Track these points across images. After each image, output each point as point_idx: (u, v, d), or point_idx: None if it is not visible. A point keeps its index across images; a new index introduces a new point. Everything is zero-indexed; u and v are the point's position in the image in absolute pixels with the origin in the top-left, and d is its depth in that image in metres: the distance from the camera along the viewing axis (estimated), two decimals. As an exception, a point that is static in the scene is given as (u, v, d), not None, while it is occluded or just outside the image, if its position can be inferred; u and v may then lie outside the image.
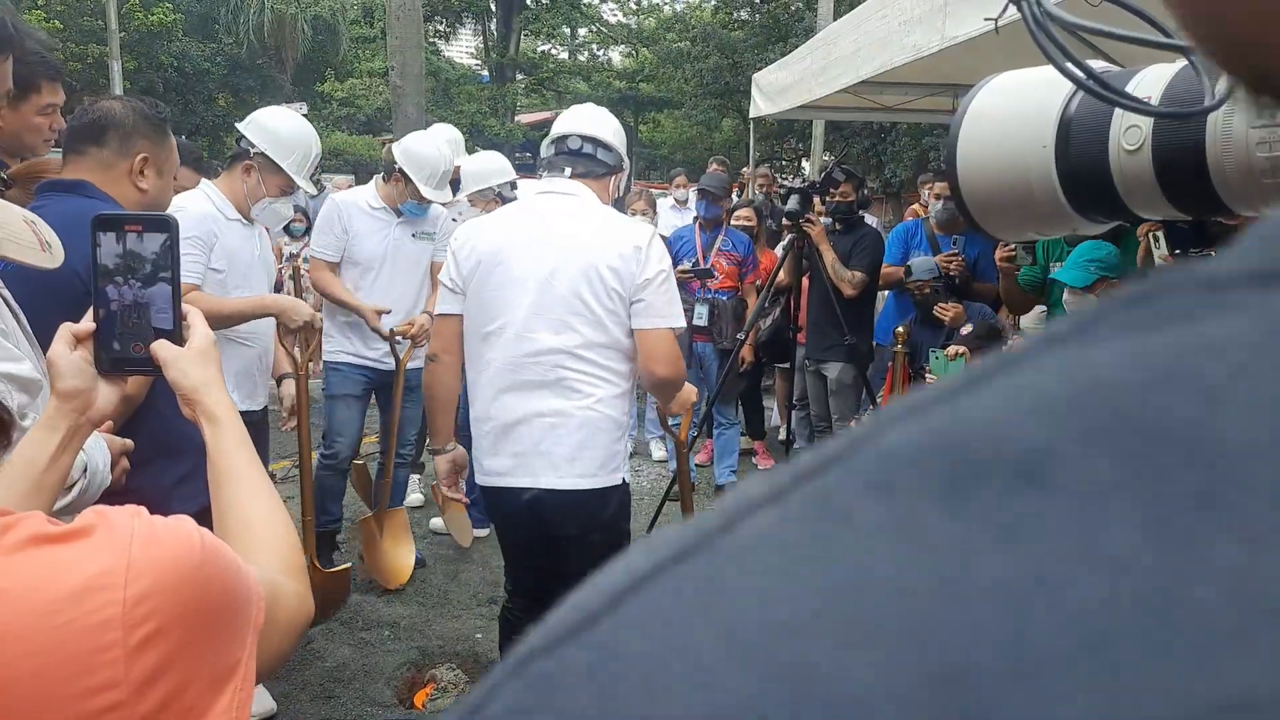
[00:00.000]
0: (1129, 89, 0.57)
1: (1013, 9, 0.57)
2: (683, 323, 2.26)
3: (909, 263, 4.62)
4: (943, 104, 6.42)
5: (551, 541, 2.36)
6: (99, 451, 1.42)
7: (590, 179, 2.32)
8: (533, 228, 2.24)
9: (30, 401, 1.25)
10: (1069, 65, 0.54)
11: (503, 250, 2.22)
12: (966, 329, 4.18)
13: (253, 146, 2.96)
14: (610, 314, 2.17)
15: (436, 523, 4.46)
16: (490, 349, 2.23)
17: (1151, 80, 0.57)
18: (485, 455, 2.30)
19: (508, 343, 2.20)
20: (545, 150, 2.41)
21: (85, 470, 1.35)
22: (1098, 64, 0.56)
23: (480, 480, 2.34)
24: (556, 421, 2.19)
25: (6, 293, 1.41)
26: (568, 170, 2.31)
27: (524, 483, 2.24)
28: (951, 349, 4.07)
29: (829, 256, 4.51)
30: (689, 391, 2.54)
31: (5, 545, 0.67)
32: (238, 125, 3.12)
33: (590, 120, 2.40)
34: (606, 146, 2.36)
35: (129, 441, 1.56)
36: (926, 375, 4.25)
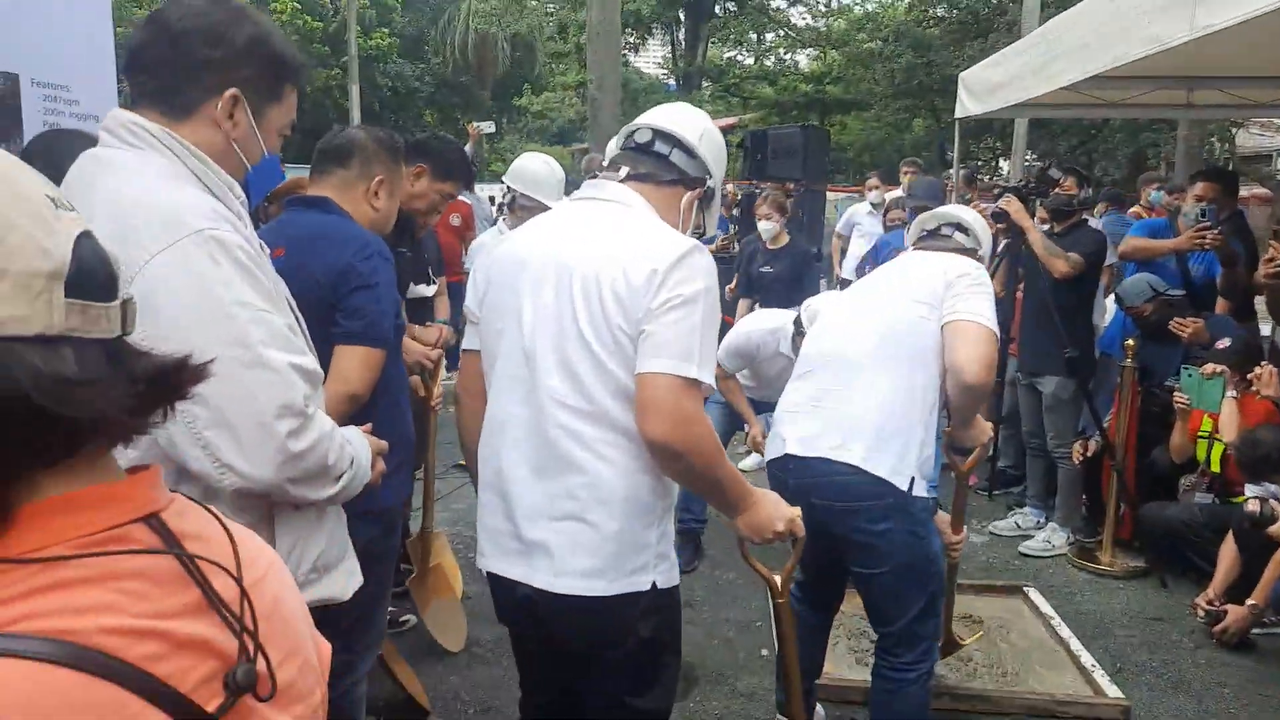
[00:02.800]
0: None
1: None
2: (708, 377, 1.60)
3: (1117, 289, 4.25)
4: (1176, 97, 5.90)
5: (561, 653, 1.80)
6: (363, 449, 1.54)
7: (652, 185, 1.77)
8: (549, 244, 1.72)
9: (313, 392, 1.38)
10: None
11: (511, 272, 1.75)
12: (1224, 343, 3.79)
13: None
14: (619, 358, 1.61)
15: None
16: (491, 396, 1.77)
17: None
18: (480, 529, 1.80)
19: (500, 388, 1.73)
20: (612, 149, 1.91)
21: (353, 463, 1.47)
22: None
23: (478, 561, 1.82)
24: (555, 498, 1.65)
25: (289, 294, 1.54)
26: (623, 170, 1.79)
27: (517, 574, 1.69)
28: (1209, 366, 3.71)
29: (1034, 235, 4.17)
30: (770, 509, 1.78)
31: None
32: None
33: (671, 114, 1.86)
34: (686, 149, 1.80)
35: (385, 444, 1.68)
36: (1175, 394, 3.91)
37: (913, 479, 2.32)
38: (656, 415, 1.56)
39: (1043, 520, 4.66)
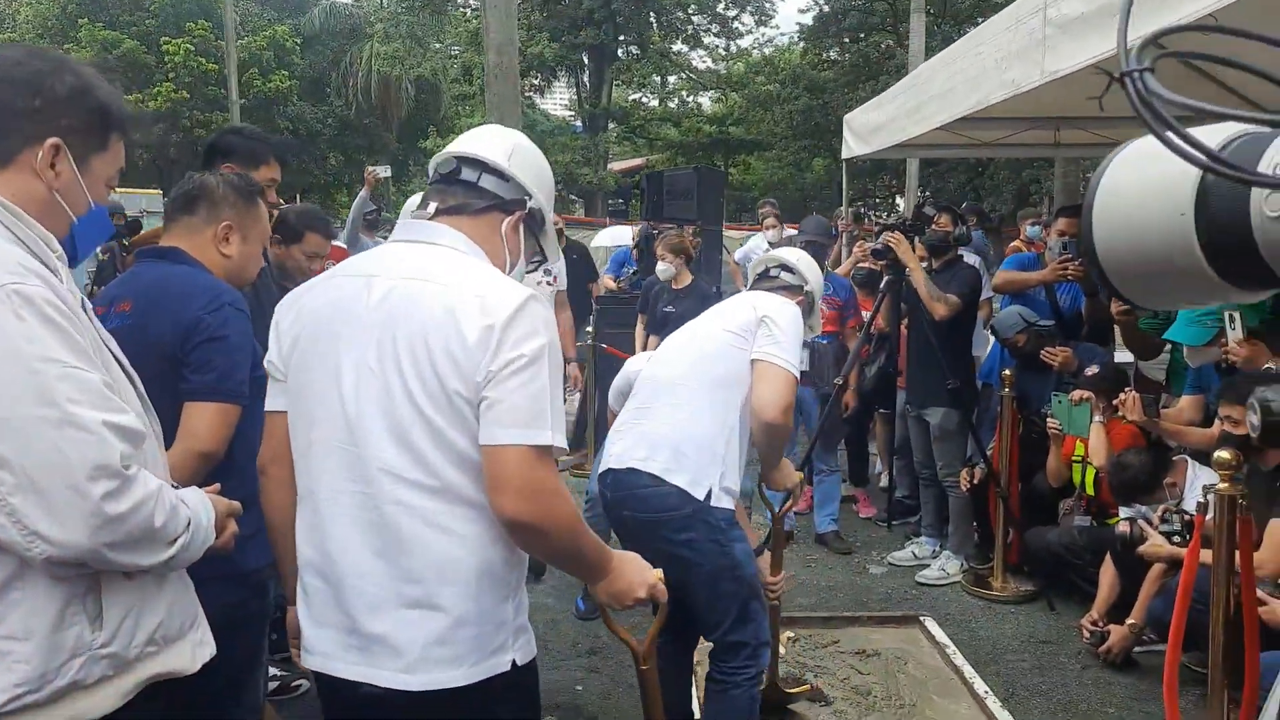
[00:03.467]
0: (1266, 154, 0.52)
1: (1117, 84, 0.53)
2: (561, 439, 1.47)
3: (992, 322, 4.47)
4: (1044, 137, 6.24)
5: None
6: (204, 510, 1.45)
7: (465, 216, 1.64)
8: (364, 295, 1.55)
9: (134, 452, 1.29)
10: (1181, 143, 0.50)
11: (323, 328, 1.56)
12: (1092, 370, 3.98)
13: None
14: (459, 425, 1.46)
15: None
16: (308, 468, 1.57)
17: (1292, 144, 0.52)
18: (306, 622, 1.58)
19: (325, 460, 1.54)
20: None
21: (189, 525, 1.38)
22: (1228, 128, 0.53)
23: (304, 660, 1.61)
24: (399, 584, 1.48)
25: (119, 350, 1.48)
26: (431, 206, 1.66)
27: (359, 674, 1.51)
28: (1076, 393, 3.89)
29: (918, 276, 4.36)
30: (632, 575, 1.67)
31: None
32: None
33: (475, 137, 1.73)
34: (495, 172, 1.66)
35: (237, 505, 1.59)
36: (1048, 420, 4.07)
37: (710, 490, 2.46)
38: (510, 492, 1.42)
39: (937, 549, 4.76)
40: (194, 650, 1.49)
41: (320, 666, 1.56)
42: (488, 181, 1.67)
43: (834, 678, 3.55)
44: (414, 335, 1.48)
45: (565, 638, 3.96)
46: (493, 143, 1.71)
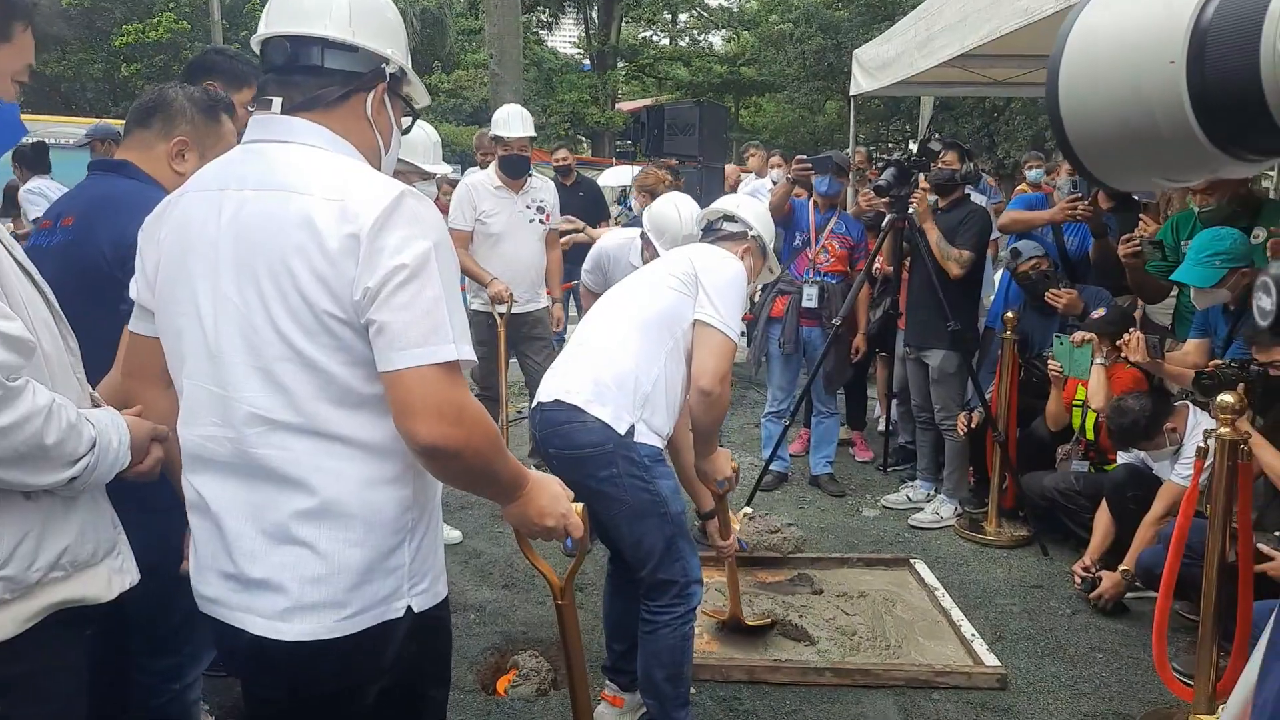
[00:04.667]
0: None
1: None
2: (468, 351, 1.33)
3: (1014, 245, 4.35)
4: (1060, 76, 6.04)
5: (306, 703, 1.47)
6: (115, 430, 1.37)
7: (319, 110, 1.41)
8: (213, 213, 1.37)
9: (22, 363, 1.21)
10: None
11: (178, 252, 1.40)
12: (1099, 312, 3.88)
13: None
14: (339, 353, 1.32)
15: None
16: (186, 410, 1.43)
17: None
18: (193, 564, 1.47)
19: (197, 404, 1.40)
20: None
21: (94, 446, 1.31)
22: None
23: (198, 604, 1.48)
24: (278, 527, 1.35)
25: (31, 267, 1.39)
26: (276, 102, 1.41)
27: (239, 619, 1.39)
28: (1078, 335, 3.80)
29: (933, 235, 4.27)
30: (543, 502, 1.53)
31: None
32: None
33: (292, 7, 1.43)
34: (337, 45, 1.41)
35: (163, 428, 1.50)
36: (1049, 361, 3.99)
37: (633, 426, 2.44)
38: (422, 417, 1.27)
39: (932, 492, 4.72)
40: (110, 578, 1.42)
41: (209, 610, 1.45)
42: (334, 59, 1.41)
43: (819, 618, 3.53)
44: (272, 256, 1.30)
45: (553, 574, 3.93)
46: (319, 7, 1.40)
